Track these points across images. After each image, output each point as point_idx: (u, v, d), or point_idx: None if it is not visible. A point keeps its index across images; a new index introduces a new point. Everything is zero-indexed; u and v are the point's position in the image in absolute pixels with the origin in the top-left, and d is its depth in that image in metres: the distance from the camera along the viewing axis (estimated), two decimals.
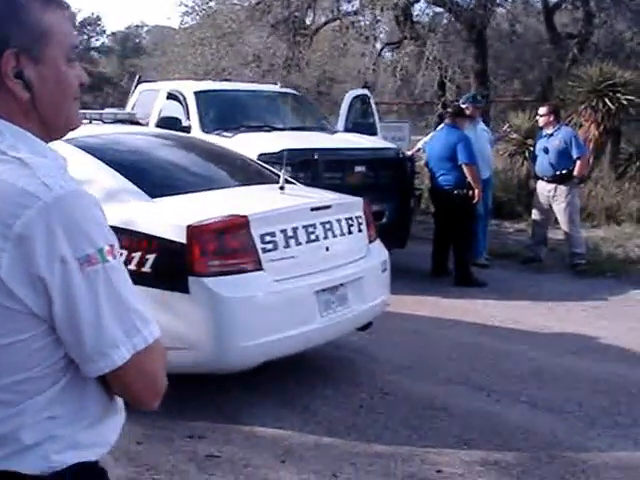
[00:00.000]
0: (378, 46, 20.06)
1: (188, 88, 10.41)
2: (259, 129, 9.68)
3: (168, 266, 4.93)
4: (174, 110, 9.92)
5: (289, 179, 6.34)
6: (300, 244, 5.34)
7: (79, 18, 51.70)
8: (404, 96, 23.40)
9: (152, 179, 5.64)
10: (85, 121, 6.55)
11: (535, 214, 10.52)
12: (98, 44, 57.84)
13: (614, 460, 4.68)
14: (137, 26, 60.76)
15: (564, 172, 9.99)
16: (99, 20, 56.84)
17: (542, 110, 10.49)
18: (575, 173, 10.02)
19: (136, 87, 11.50)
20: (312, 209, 5.58)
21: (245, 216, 5.06)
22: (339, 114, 11.49)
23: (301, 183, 6.91)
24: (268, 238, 5.14)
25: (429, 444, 4.85)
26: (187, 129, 9.29)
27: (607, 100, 14.68)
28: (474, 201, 9.32)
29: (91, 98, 39.42)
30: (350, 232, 5.85)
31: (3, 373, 1.54)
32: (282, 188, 5.76)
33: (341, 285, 5.58)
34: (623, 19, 20.53)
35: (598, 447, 4.86)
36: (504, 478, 4.45)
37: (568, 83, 15.79)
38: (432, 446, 4.83)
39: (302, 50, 18.68)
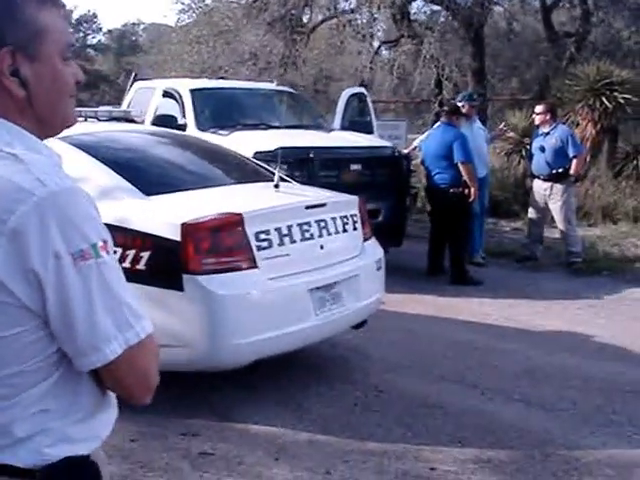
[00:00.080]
0: (375, 44, 20.08)
1: (184, 86, 10.42)
2: (255, 127, 9.69)
3: (162, 264, 4.93)
4: (170, 108, 9.92)
5: (284, 177, 6.34)
6: (295, 242, 5.34)
7: (75, 15, 51.75)
8: (401, 94, 23.40)
9: (147, 177, 5.64)
10: (80, 119, 6.54)
11: (531, 213, 10.53)
12: (94, 42, 57.80)
13: (607, 458, 4.68)
14: (133, 24, 60.74)
15: (560, 171, 10.00)
16: (95, 17, 56.90)
17: (538, 109, 10.50)
18: (571, 172, 10.03)
19: (132, 85, 11.50)
20: (307, 207, 5.58)
21: (240, 214, 5.06)
22: (335, 112, 11.49)
23: (297, 181, 6.92)
24: (263, 236, 5.14)
25: (423, 442, 4.86)
26: (183, 127, 9.29)
27: (604, 99, 14.69)
28: (470, 200, 9.32)
29: (87, 96, 39.40)
30: (345, 230, 5.85)
31: None
32: (277, 186, 5.76)
33: (336, 283, 5.58)
34: (621, 18, 20.56)
35: (591, 445, 4.87)
36: (497, 476, 4.46)
37: (565, 82, 15.80)
38: (426, 444, 4.83)
39: (299, 48, 18.67)
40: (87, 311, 1.53)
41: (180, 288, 4.86)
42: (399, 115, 22.72)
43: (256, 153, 7.92)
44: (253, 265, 5.06)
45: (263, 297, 5.12)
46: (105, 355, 1.56)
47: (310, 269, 5.44)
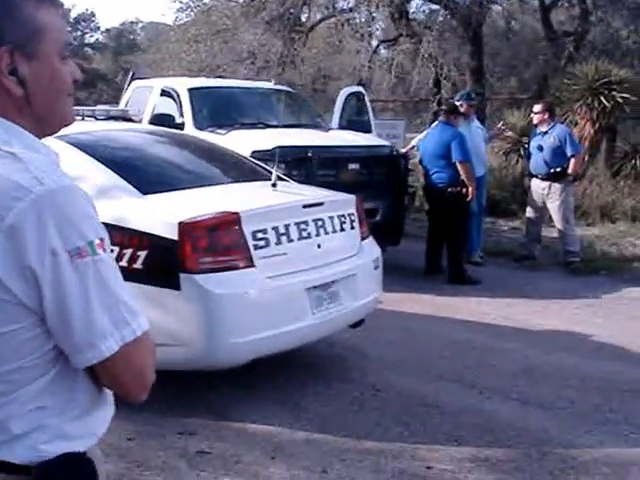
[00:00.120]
0: (374, 43, 20.08)
1: (182, 85, 10.41)
2: (253, 126, 9.69)
3: (159, 263, 4.94)
4: (168, 107, 9.92)
5: (281, 176, 6.34)
6: (292, 241, 5.34)
7: (73, 14, 51.74)
8: (400, 93, 23.42)
9: (144, 176, 5.64)
10: (78, 118, 6.54)
11: (529, 212, 10.53)
12: (92, 40, 57.79)
13: (604, 457, 4.69)
14: (132, 22, 60.71)
15: (558, 170, 10.00)
16: (93, 16, 56.92)
17: (537, 108, 10.49)
18: (569, 171, 10.02)
19: (130, 84, 11.49)
20: (304, 206, 5.58)
21: (237, 213, 5.06)
22: (333, 111, 11.49)
23: (295, 180, 6.91)
24: (260, 235, 5.14)
25: (420, 440, 4.86)
26: (180, 126, 9.28)
27: (602, 98, 14.68)
28: (468, 199, 9.32)
29: (85, 95, 39.37)
30: (342, 229, 5.85)
31: None
32: (274, 185, 5.76)
33: (333, 282, 5.58)
34: (619, 17, 20.56)
35: (588, 444, 4.87)
36: (494, 474, 4.46)
37: (564, 81, 15.79)
38: (423, 442, 4.83)
39: (297, 47, 18.67)
40: (83, 308, 1.54)
41: (177, 287, 4.86)
42: (397, 114, 22.72)
43: (254, 152, 7.92)
44: (250, 264, 5.06)
45: (260, 296, 5.11)
46: (101, 352, 1.57)
47: (307, 268, 5.43)
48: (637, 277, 9.77)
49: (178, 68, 19.12)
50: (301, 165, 8.45)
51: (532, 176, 10.48)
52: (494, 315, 7.90)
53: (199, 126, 9.43)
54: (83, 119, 6.74)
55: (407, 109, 24.72)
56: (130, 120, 7.51)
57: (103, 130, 6.52)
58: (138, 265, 4.86)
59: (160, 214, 5.10)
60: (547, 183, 10.10)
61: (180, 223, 4.89)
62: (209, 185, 5.79)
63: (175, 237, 4.87)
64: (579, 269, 10.00)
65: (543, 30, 21.03)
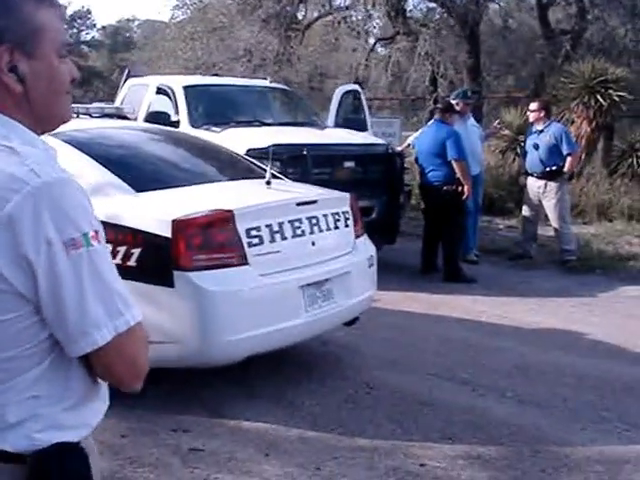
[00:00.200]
0: (371, 41, 20.06)
1: (177, 83, 10.41)
2: (248, 124, 9.68)
3: (153, 260, 4.94)
4: (163, 105, 9.91)
5: (276, 174, 6.34)
6: (286, 239, 5.34)
7: (69, 11, 51.57)
8: (396, 92, 23.38)
9: (138, 173, 5.63)
10: (73, 115, 6.53)
11: (525, 210, 10.53)
12: (88, 38, 57.69)
13: (597, 454, 4.69)
14: (128, 20, 60.55)
15: (554, 168, 10.01)
16: (89, 13, 56.86)
17: (533, 106, 10.51)
18: (565, 169, 10.03)
19: (125, 81, 11.48)
20: (298, 204, 5.58)
21: (230, 210, 5.06)
22: (329, 110, 11.48)
23: (290, 178, 6.91)
24: (254, 233, 5.14)
25: (413, 438, 4.86)
26: (176, 124, 9.28)
27: (599, 96, 14.67)
28: (464, 197, 9.32)
29: (81, 92, 39.26)
30: (336, 227, 5.85)
31: None
32: (268, 183, 5.76)
33: (327, 280, 5.58)
34: (616, 15, 20.54)
35: (582, 442, 4.88)
36: (487, 472, 4.46)
37: (560, 79, 15.78)
38: (416, 440, 4.84)
39: (294, 45, 18.67)
40: (78, 298, 1.58)
41: (171, 284, 4.86)
42: (394, 112, 22.69)
43: (249, 150, 7.91)
44: (244, 262, 5.06)
45: (254, 294, 5.11)
46: (95, 341, 1.60)
47: (301, 266, 5.44)
48: (633, 276, 9.79)
49: (174, 66, 19.13)
50: (297, 163, 8.45)
51: (528, 174, 10.49)
52: (489, 313, 7.90)
53: (194, 124, 9.43)
54: (78, 117, 6.72)
55: (404, 107, 24.68)
56: (125, 118, 7.50)
57: (97, 128, 6.52)
58: (132, 262, 4.86)
59: (154, 212, 5.10)
60: (543, 182, 10.11)
61: (174, 221, 4.90)
62: (203, 183, 5.79)
63: (169, 234, 4.88)
64: (575, 268, 10.00)
65: (540, 28, 21.01)
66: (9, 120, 1.66)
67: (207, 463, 4.44)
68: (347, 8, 18.85)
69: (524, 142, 10.99)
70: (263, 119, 10.16)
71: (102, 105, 8.14)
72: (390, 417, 5.17)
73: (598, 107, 14.73)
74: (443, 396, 5.60)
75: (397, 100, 24.25)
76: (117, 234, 4.85)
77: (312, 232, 5.57)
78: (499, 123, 12.50)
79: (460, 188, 9.27)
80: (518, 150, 14.55)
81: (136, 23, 59.88)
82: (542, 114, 10.27)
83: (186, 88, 10.07)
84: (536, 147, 10.15)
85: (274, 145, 7.67)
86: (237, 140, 8.35)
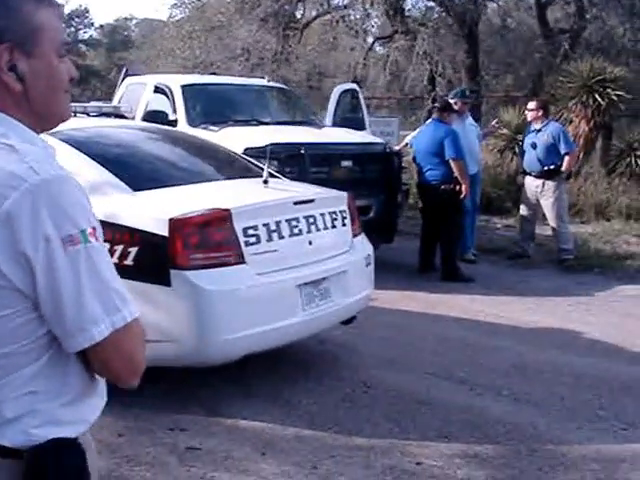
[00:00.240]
0: (369, 40, 20.06)
1: (175, 82, 10.40)
2: (246, 123, 9.67)
3: (150, 259, 4.94)
4: (161, 104, 9.90)
5: (273, 173, 6.34)
6: (283, 238, 5.34)
7: (67, 10, 51.27)
8: (395, 91, 23.37)
9: (135, 172, 5.64)
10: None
11: (523, 209, 10.53)
12: (86, 37, 57.49)
13: (593, 453, 4.70)
14: (126, 19, 60.37)
15: (552, 167, 10.01)
16: (87, 12, 56.57)
17: (531, 105, 10.51)
18: (563, 168, 10.03)
19: (123, 80, 11.47)
20: (295, 203, 5.59)
21: (228, 209, 5.07)
22: (327, 109, 11.49)
23: (288, 177, 6.91)
24: (251, 231, 5.14)
25: (410, 437, 4.87)
26: (173, 123, 9.27)
27: (597, 96, 14.67)
28: (461, 196, 9.32)
29: (78, 91, 39.20)
30: (334, 226, 5.85)
31: None
32: (266, 182, 5.76)
33: (324, 279, 5.59)
34: (615, 15, 20.55)
35: (578, 440, 4.89)
36: (483, 470, 4.47)
37: (559, 78, 15.78)
38: (413, 439, 4.84)
39: (292, 44, 18.66)
40: (75, 294, 1.60)
41: (168, 283, 4.87)
42: (393, 112, 22.69)
43: (247, 149, 7.91)
44: (241, 260, 5.07)
45: (251, 292, 5.12)
46: (92, 336, 1.62)
47: (298, 265, 5.44)
48: (630, 275, 9.79)
49: (172, 65, 19.11)
50: (294, 162, 8.45)
51: (526, 174, 10.48)
52: (487, 312, 7.90)
53: (192, 123, 9.42)
54: (75, 115, 6.72)
55: (402, 106, 24.66)
56: (122, 117, 7.50)
57: (95, 127, 6.52)
58: (129, 261, 4.86)
59: (151, 210, 5.11)
60: (541, 181, 10.11)
61: (171, 219, 4.90)
62: (200, 182, 5.80)
63: (166, 233, 4.88)
64: (573, 267, 10.00)
65: (539, 28, 21.00)
66: (8, 118, 1.68)
67: (204, 462, 4.44)
68: (345, 7, 18.85)
69: (522, 141, 10.99)
70: (261, 118, 10.15)
71: (99, 104, 8.14)
72: (387, 416, 5.17)
73: (596, 106, 14.73)
74: (440, 395, 5.61)
75: (395, 99, 24.24)
76: (114, 233, 4.85)
77: (309, 231, 5.57)
78: (497, 122, 12.51)
79: (458, 187, 9.27)
80: (516, 149, 14.54)
81: (134, 22, 59.75)
82: (540, 113, 10.27)
83: (184, 87, 10.06)
84: (534, 146, 10.16)
85: (272, 144, 7.67)
86: (235, 139, 8.35)
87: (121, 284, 1.68)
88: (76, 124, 6.10)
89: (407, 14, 19.20)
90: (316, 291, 5.50)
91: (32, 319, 1.62)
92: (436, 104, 10.76)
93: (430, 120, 10.03)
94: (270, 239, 5.25)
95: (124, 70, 12.04)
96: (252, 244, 5.13)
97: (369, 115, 12.61)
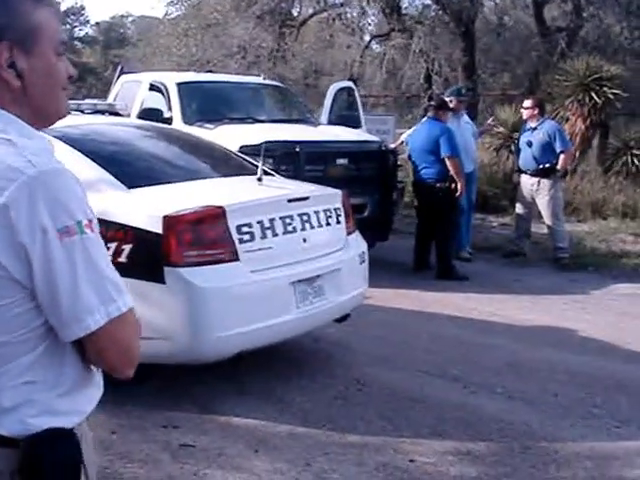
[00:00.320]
0: (366, 38, 20.06)
1: (170, 79, 10.38)
2: (241, 121, 9.67)
3: (144, 256, 4.94)
4: (156, 101, 9.89)
5: (267, 170, 6.34)
6: (277, 235, 5.34)
7: (62, 7, 51.37)
8: (391, 89, 23.39)
9: (129, 170, 5.63)
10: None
11: (518, 208, 10.53)
12: (82, 34, 57.47)
13: (586, 450, 4.71)
14: (122, 16, 60.37)
15: (547, 166, 10.00)
16: (83, 10, 56.58)
17: (526, 103, 10.51)
18: (559, 167, 10.03)
19: (118, 78, 11.46)
20: (289, 200, 5.58)
21: (221, 207, 5.07)
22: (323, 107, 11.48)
23: (283, 175, 6.91)
24: (245, 229, 5.14)
25: (403, 434, 4.88)
26: (169, 120, 9.26)
27: (593, 94, 14.68)
28: (457, 194, 9.32)
29: (74, 89, 39.12)
30: (328, 224, 5.85)
31: None
32: (260, 179, 5.76)
33: (318, 276, 5.59)
34: (612, 13, 20.57)
35: (571, 437, 4.90)
36: (476, 467, 4.47)
37: (555, 77, 15.79)
38: (406, 436, 4.85)
39: (288, 42, 18.65)
40: (71, 284, 1.63)
41: (162, 281, 4.87)
42: (389, 110, 22.71)
43: (242, 147, 7.90)
44: (235, 258, 5.07)
45: (245, 290, 5.12)
46: (87, 325, 1.65)
47: (292, 262, 5.44)
48: (625, 273, 9.80)
49: (168, 62, 19.08)
50: (289, 160, 8.44)
51: (521, 172, 10.48)
52: (481, 310, 7.91)
53: (187, 121, 9.41)
54: (69, 113, 6.71)
55: (399, 105, 24.69)
56: (117, 114, 7.49)
57: (90, 124, 6.51)
58: (123, 259, 4.85)
59: (145, 208, 5.11)
60: (536, 179, 10.11)
61: (165, 217, 4.90)
62: (195, 179, 5.79)
63: (160, 231, 4.88)
64: (568, 265, 10.01)
65: (536, 26, 21.01)
66: (7, 114, 1.72)
67: (197, 459, 4.44)
68: (342, 5, 18.84)
69: (518, 139, 10.98)
70: (256, 116, 10.15)
71: (94, 101, 8.13)
72: (381, 413, 5.18)
73: (593, 105, 14.74)
74: (434, 393, 5.62)
75: (392, 97, 24.25)
76: (108, 230, 4.83)
77: (303, 229, 5.57)
78: (493, 120, 12.51)
79: (453, 185, 9.28)
80: (512, 148, 14.55)
81: (130, 19, 59.75)
82: (536, 111, 10.27)
83: (179, 85, 10.04)
84: (529, 144, 10.15)
85: (267, 142, 7.64)
86: (230, 137, 8.34)
87: (116, 275, 1.71)
88: (70, 121, 6.10)
89: (404, 12, 19.20)
90: (310, 289, 5.50)
91: (29, 309, 1.65)
92: (432, 102, 10.75)
93: (425, 118, 10.01)
94: (264, 236, 5.25)
95: (119, 68, 12.04)
96: (246, 241, 5.13)
97: (365, 113, 12.60)
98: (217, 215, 5.04)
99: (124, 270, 4.61)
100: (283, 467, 4.38)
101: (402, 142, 10.75)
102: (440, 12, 18.71)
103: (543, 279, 9.52)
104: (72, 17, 54.89)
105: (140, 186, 5.36)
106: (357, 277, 6.09)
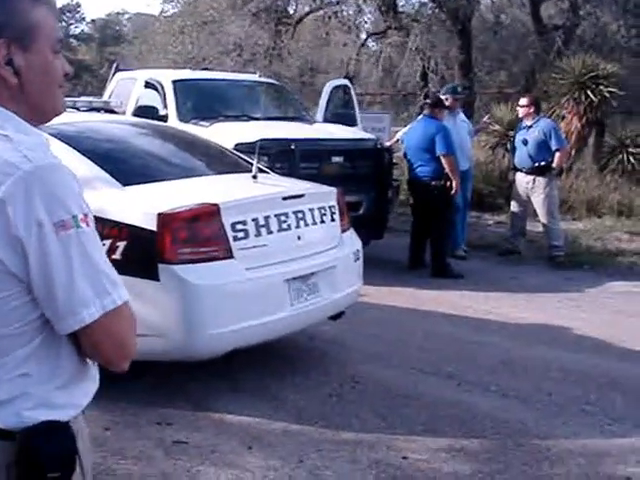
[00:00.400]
0: (362, 36, 20.06)
1: (166, 77, 10.37)
2: (237, 119, 9.67)
3: (139, 254, 4.94)
4: (151, 99, 9.89)
5: (262, 168, 6.34)
6: (271, 233, 5.34)
7: (58, 4, 51.29)
8: (387, 87, 23.39)
9: (124, 167, 5.63)
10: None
11: (514, 206, 10.54)
12: (77, 31, 57.46)
13: (579, 447, 4.72)
14: (118, 13, 60.33)
15: (543, 164, 10.00)
16: (78, 7, 56.67)
17: (522, 101, 10.51)
18: (554, 165, 10.03)
19: (114, 75, 11.46)
20: (284, 198, 5.59)
21: (216, 204, 5.07)
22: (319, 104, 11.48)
23: (278, 173, 6.92)
24: (239, 226, 5.14)
25: (397, 432, 4.88)
26: (164, 118, 9.26)
27: (589, 92, 14.70)
28: (452, 192, 9.33)
29: (70, 86, 39.03)
30: (323, 221, 5.85)
31: None
32: (255, 177, 5.77)
33: (313, 274, 5.59)
34: (609, 11, 20.60)
35: (565, 435, 4.90)
36: (469, 464, 4.48)
37: (551, 75, 15.81)
38: (400, 434, 4.86)
39: (284, 39, 18.63)
40: (67, 277, 1.65)
41: (156, 278, 4.87)
42: (386, 108, 22.70)
43: (237, 144, 7.90)
44: (229, 255, 5.07)
45: (239, 287, 5.12)
46: (82, 318, 1.68)
47: (287, 260, 5.44)
48: (621, 271, 9.82)
49: (164, 60, 19.08)
50: (284, 158, 8.44)
51: (517, 170, 10.49)
52: (476, 308, 7.92)
53: (183, 118, 9.40)
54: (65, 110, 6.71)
55: (395, 103, 24.69)
56: (112, 112, 7.49)
57: (85, 121, 6.51)
58: (117, 256, 4.85)
59: (140, 205, 5.11)
60: (531, 177, 10.11)
61: (159, 214, 4.90)
62: (190, 177, 5.79)
63: (154, 228, 4.89)
64: (563, 263, 10.02)
65: (532, 24, 21.01)
66: (5, 111, 1.74)
67: (190, 455, 4.45)
68: (338, 3, 18.80)
69: (513, 137, 10.99)
70: (252, 114, 10.15)
71: (90, 99, 8.13)
72: (375, 411, 5.19)
73: (589, 103, 14.75)
74: (428, 390, 5.63)
75: (388, 95, 24.25)
76: (103, 227, 4.82)
77: (298, 226, 5.58)
78: (489, 118, 12.52)
79: (449, 183, 9.28)
80: (508, 146, 14.57)
81: (126, 17, 59.69)
82: (531, 109, 10.27)
83: (175, 82, 10.03)
84: (525, 142, 10.16)
85: (262, 140, 7.65)
86: (225, 134, 8.34)
87: (112, 269, 1.74)
88: (66, 119, 6.09)
89: (400, 10, 19.17)
90: (304, 286, 5.50)
91: (25, 302, 1.67)
92: (427, 100, 10.75)
93: (421, 116, 10.02)
94: (259, 234, 5.25)
95: (115, 65, 12.03)
96: (240, 239, 5.13)
97: (361, 111, 12.60)
98: (212, 212, 5.04)
99: (118, 267, 4.60)
100: (276, 464, 4.39)
101: (397, 140, 10.77)
102: (436, 10, 18.69)
103: (538, 277, 9.54)
104: (68, 14, 54.92)
105: (135, 183, 5.36)
106: (352, 275, 6.10)
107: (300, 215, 5.62)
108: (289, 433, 4.81)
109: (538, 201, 10.12)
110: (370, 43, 21.05)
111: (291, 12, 20.14)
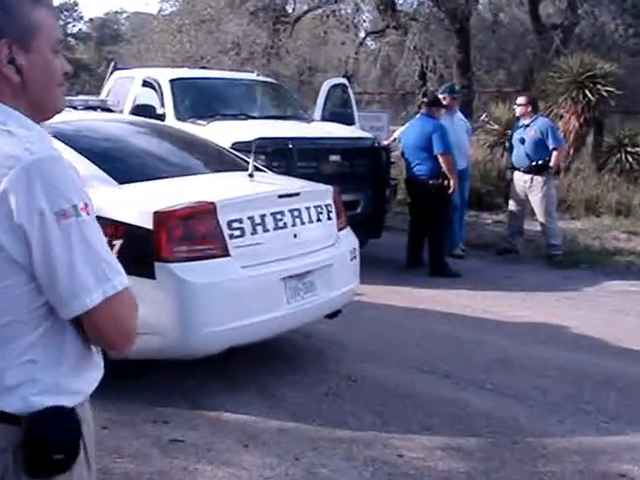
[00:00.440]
0: (361, 35, 20.06)
1: (163, 76, 10.36)
2: (234, 117, 9.66)
3: (134, 252, 4.91)
4: (149, 98, 9.88)
5: (259, 166, 6.34)
6: (268, 231, 5.35)
7: (56, 3, 51.23)
8: (386, 86, 23.39)
9: (121, 165, 5.64)
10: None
11: (511, 205, 10.54)
12: (75, 30, 57.42)
13: (575, 445, 4.73)
14: (116, 12, 60.28)
15: (540, 163, 10.01)
16: (76, 6, 56.63)
17: (520, 100, 10.52)
18: (551, 164, 10.03)
19: (111, 74, 11.46)
20: (280, 196, 5.59)
21: (212, 202, 5.07)
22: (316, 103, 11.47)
23: (275, 172, 6.92)
24: (235, 225, 5.14)
25: (393, 430, 4.89)
26: (162, 117, 9.25)
27: (587, 91, 14.70)
28: (450, 191, 9.33)
29: (67, 85, 38.97)
30: (319, 220, 5.85)
31: None
32: (251, 175, 5.77)
33: (309, 272, 5.59)
34: (607, 11, 20.62)
35: (560, 433, 4.91)
36: (465, 462, 4.49)
37: (549, 74, 15.81)
38: (396, 432, 4.86)
39: (282, 38, 18.62)
40: (68, 264, 1.72)
41: (152, 276, 4.87)
42: (384, 107, 22.69)
43: (234, 143, 7.89)
44: (225, 253, 5.07)
45: (235, 285, 5.13)
46: (84, 303, 1.74)
47: (283, 258, 5.44)
48: (618, 270, 9.82)
49: (162, 59, 19.07)
50: (282, 156, 8.44)
51: (514, 169, 10.49)
52: (473, 307, 7.92)
53: (180, 117, 9.39)
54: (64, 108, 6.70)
55: (393, 102, 24.68)
56: (109, 110, 7.49)
57: (81, 120, 6.50)
58: (113, 254, 4.84)
59: (136, 203, 5.11)
60: (529, 176, 10.12)
61: (155, 212, 4.91)
62: (186, 175, 5.80)
63: (150, 226, 4.89)
64: (561, 262, 10.02)
65: (531, 23, 21.03)
66: (7, 108, 1.80)
67: (187, 454, 4.45)
68: (336, 1, 18.79)
69: (510, 136, 10.99)
70: (249, 112, 10.14)
71: (86, 97, 8.12)
72: (371, 409, 5.19)
73: (586, 102, 14.75)
74: (425, 389, 5.63)
75: (386, 94, 24.25)
76: (99, 225, 4.83)
77: (294, 224, 5.58)
78: (486, 116, 12.52)
79: (446, 182, 9.28)
80: (506, 145, 14.57)
81: (124, 15, 59.62)
82: (529, 108, 10.28)
83: (172, 81, 10.02)
84: (522, 141, 10.16)
85: (259, 138, 7.65)
86: (223, 133, 8.34)
87: (112, 256, 1.81)
88: (62, 117, 6.09)
89: (398, 9, 19.18)
90: (301, 284, 5.51)
91: (30, 290, 1.74)
92: (425, 99, 10.75)
93: (419, 115, 10.02)
94: (255, 232, 5.25)
95: (112, 64, 12.02)
96: (237, 237, 5.14)
97: (359, 110, 12.60)
98: (208, 211, 5.05)
99: None
100: (273, 462, 4.39)
101: (395, 139, 10.77)
102: (435, 9, 18.70)
103: (536, 276, 9.54)
104: (66, 13, 54.86)
105: (131, 182, 5.36)
106: (348, 273, 6.10)
107: (296, 213, 5.62)
108: (285, 431, 4.81)
109: (536, 200, 10.12)
110: (368, 42, 21.09)
111: (289, 11, 20.16)
